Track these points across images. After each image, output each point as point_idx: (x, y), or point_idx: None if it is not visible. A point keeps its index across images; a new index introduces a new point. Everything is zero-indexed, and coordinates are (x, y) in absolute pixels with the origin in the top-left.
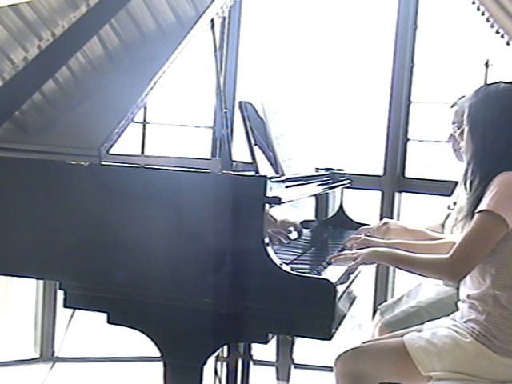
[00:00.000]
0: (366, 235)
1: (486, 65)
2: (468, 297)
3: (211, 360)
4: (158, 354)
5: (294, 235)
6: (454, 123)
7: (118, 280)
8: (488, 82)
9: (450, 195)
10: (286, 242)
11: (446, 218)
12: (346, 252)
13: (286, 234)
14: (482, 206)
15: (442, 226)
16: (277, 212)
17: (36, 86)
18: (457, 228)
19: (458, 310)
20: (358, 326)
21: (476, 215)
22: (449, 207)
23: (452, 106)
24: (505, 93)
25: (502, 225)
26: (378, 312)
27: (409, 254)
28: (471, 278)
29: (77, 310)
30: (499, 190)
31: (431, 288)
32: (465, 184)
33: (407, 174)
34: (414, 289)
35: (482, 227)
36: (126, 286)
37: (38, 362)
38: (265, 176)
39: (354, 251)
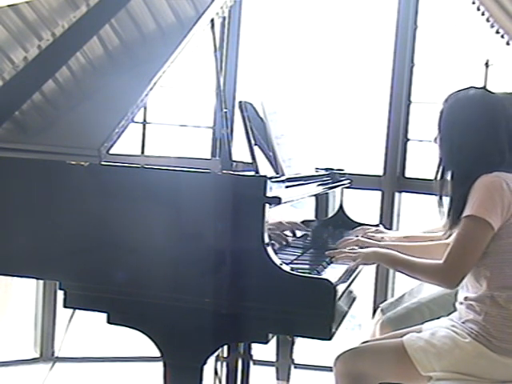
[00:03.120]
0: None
1: (486, 65)
2: (466, 299)
3: (211, 360)
4: (158, 353)
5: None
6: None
7: (118, 280)
8: (487, 83)
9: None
10: (289, 242)
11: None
12: (345, 250)
13: (290, 235)
14: (466, 211)
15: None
16: (279, 213)
17: (36, 86)
18: (448, 234)
19: (456, 309)
20: (358, 326)
21: (462, 221)
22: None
23: None
24: (473, 98)
25: (488, 228)
26: (378, 310)
27: (408, 257)
28: (468, 282)
29: (77, 310)
30: (480, 193)
31: (433, 286)
32: (437, 188)
33: (407, 174)
34: (415, 287)
35: (469, 233)
36: (126, 285)
37: (38, 362)
38: (265, 176)
39: (353, 250)
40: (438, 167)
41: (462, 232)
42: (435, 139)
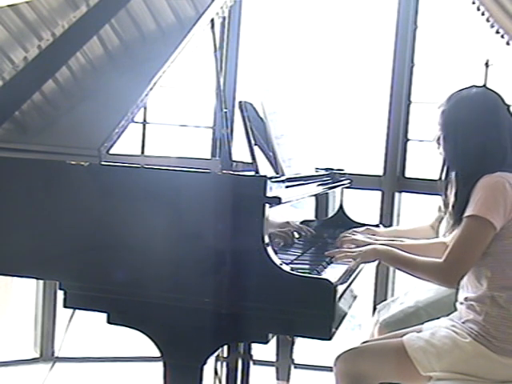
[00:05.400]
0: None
1: (486, 65)
2: (466, 299)
3: (211, 360)
4: (158, 353)
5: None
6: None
7: (118, 280)
8: (487, 83)
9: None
10: (290, 242)
11: (438, 221)
12: (344, 249)
13: (290, 235)
14: (469, 211)
15: (432, 227)
16: (280, 214)
17: (36, 86)
18: (450, 233)
19: (456, 310)
20: (358, 326)
21: (464, 220)
22: (439, 209)
23: (439, 107)
24: (475, 97)
25: (490, 228)
26: (376, 310)
27: (408, 255)
28: (468, 282)
29: (77, 310)
30: (483, 193)
31: (429, 288)
32: (442, 188)
33: (407, 174)
34: (411, 288)
35: (471, 232)
36: (126, 285)
37: (38, 362)
38: (265, 176)
39: (352, 249)
40: (442, 167)
41: (464, 231)
42: (437, 139)
